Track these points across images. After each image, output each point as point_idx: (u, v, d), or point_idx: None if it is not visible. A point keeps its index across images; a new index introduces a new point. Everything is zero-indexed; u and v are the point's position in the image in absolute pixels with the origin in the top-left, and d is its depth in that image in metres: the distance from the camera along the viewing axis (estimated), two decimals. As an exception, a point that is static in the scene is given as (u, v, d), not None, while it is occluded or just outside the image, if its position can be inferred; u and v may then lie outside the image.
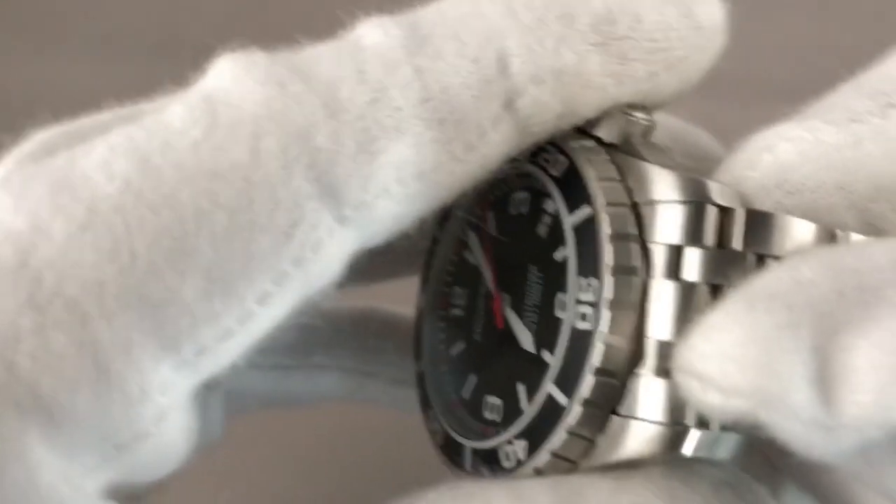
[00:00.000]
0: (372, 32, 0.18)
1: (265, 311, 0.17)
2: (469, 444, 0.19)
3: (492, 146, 0.17)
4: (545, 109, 0.18)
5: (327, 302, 0.19)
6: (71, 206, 0.16)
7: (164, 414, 0.16)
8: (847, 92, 0.18)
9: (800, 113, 0.18)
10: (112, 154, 0.16)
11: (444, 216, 0.22)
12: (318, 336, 0.25)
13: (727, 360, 0.14)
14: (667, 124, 0.20)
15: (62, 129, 0.18)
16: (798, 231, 0.17)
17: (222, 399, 0.23)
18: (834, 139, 0.17)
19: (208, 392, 0.19)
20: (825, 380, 0.14)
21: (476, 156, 0.17)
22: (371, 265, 0.21)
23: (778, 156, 0.17)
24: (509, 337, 0.19)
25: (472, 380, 0.20)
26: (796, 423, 0.14)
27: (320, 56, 0.17)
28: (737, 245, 0.17)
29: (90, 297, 0.16)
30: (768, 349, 0.14)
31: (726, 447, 0.17)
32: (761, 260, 0.17)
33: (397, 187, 0.17)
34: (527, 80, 0.17)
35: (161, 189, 0.16)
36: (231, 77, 0.17)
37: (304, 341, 0.25)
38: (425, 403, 0.21)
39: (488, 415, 0.20)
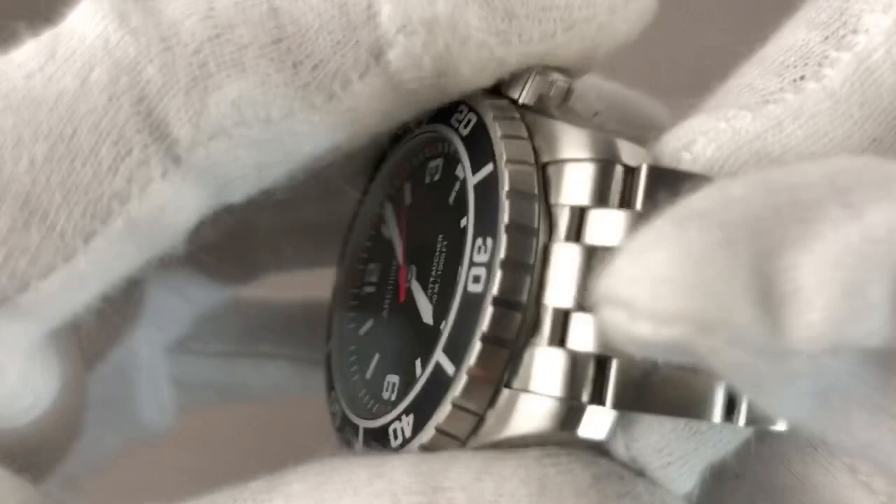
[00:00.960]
0: None
1: (92, 251, 0.16)
2: (362, 423, 0.18)
3: (359, 98, 0.16)
4: (418, 64, 0.16)
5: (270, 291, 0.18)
6: None
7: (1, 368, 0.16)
8: (753, 71, 0.17)
9: (709, 100, 0.17)
10: None
11: (365, 189, 0.21)
12: (267, 324, 0.24)
13: (659, 282, 0.12)
14: (603, 90, 0.19)
15: None
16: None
17: (173, 390, 0.23)
18: (752, 126, 0.16)
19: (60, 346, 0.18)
20: (770, 301, 0.12)
21: (340, 107, 0.16)
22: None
23: (697, 154, 0.16)
24: (411, 310, 0.18)
25: (376, 359, 0.19)
26: (740, 352, 0.12)
27: None
28: (639, 206, 0.15)
29: None
30: (704, 269, 0.12)
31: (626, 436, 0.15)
32: None
33: (239, 129, 0.16)
34: (396, 30, 0.16)
35: None
36: (81, 13, 0.16)
37: (253, 329, 0.24)
38: (329, 385, 0.20)
39: (386, 394, 0.18)
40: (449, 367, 0.16)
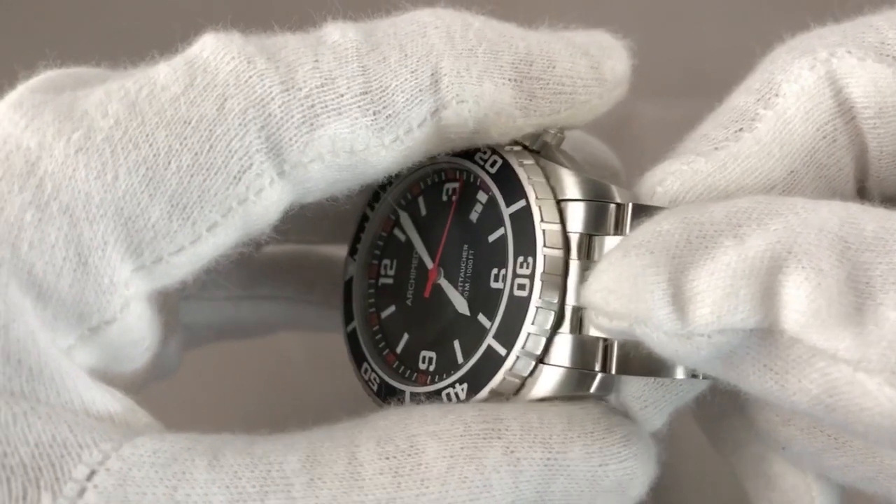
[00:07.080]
0: (334, 32, 0.22)
1: (211, 238, 0.21)
2: (408, 388, 0.23)
3: (416, 141, 0.22)
4: (463, 124, 0.22)
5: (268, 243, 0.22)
6: (71, 132, 0.20)
7: (127, 304, 0.20)
8: (709, 123, 0.23)
9: (679, 147, 0.23)
10: (108, 97, 0.20)
11: (374, 198, 0.26)
12: (263, 271, 0.29)
13: (608, 292, 0.19)
14: (572, 136, 0.25)
15: (68, 72, 0.21)
16: None
17: (180, 334, 0.26)
18: (705, 167, 0.22)
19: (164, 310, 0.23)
20: (680, 302, 0.19)
21: (401, 146, 0.22)
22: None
23: (667, 188, 0.22)
24: (441, 303, 0.24)
25: (405, 337, 0.24)
26: (661, 335, 0.19)
27: (287, 43, 0.21)
28: (628, 232, 0.22)
29: (79, 204, 0.19)
30: (635, 282, 0.19)
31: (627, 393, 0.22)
32: None
33: (330, 157, 0.21)
34: (452, 98, 0.21)
35: (144, 129, 0.20)
36: (211, 49, 0.21)
37: (251, 275, 0.29)
38: (359, 358, 0.25)
39: (422, 365, 0.24)
40: (501, 350, 0.22)
